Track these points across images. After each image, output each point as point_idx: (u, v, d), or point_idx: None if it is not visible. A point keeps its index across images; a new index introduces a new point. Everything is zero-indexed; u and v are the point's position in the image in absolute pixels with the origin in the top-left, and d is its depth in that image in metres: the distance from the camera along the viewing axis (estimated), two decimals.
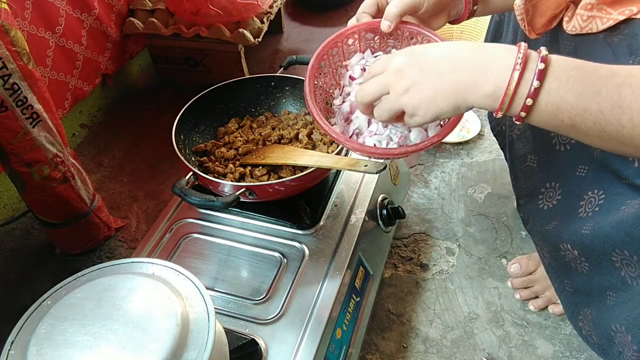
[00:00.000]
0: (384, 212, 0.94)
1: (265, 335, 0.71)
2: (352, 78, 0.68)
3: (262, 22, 1.47)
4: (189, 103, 0.92)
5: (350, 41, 0.69)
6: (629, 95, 0.46)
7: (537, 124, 0.52)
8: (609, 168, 0.64)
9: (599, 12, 0.59)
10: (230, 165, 0.89)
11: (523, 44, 0.50)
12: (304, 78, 0.65)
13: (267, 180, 0.86)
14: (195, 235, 0.85)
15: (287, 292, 0.76)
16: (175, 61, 1.53)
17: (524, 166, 0.81)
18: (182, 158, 0.82)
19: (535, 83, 0.48)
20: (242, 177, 0.88)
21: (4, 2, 0.79)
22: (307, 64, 0.66)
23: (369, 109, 0.61)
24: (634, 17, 0.56)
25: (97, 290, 0.53)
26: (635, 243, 0.59)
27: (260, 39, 1.43)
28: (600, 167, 0.66)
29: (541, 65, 0.48)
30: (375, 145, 0.64)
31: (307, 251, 0.81)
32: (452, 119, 0.61)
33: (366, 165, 0.71)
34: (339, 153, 0.83)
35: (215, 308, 0.53)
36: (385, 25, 0.65)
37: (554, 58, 0.49)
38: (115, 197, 1.28)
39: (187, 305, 0.52)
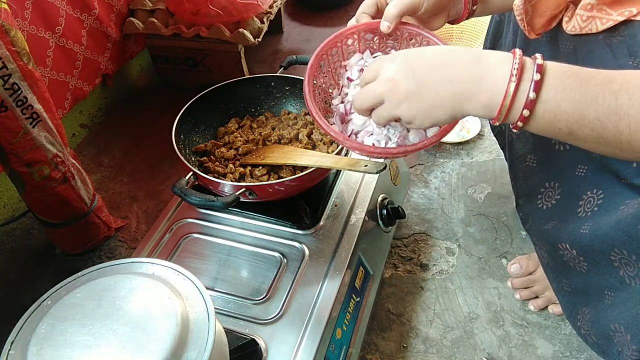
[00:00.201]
0: (384, 212, 0.94)
1: (265, 335, 0.71)
2: (349, 79, 0.68)
3: (262, 22, 1.47)
4: (189, 103, 0.92)
5: (349, 41, 0.69)
6: (626, 101, 0.46)
7: (535, 131, 0.52)
8: (608, 168, 0.64)
9: (599, 13, 0.59)
10: (230, 165, 0.89)
11: (518, 52, 0.50)
12: (304, 78, 0.65)
13: (267, 180, 0.86)
14: (195, 235, 0.85)
15: (287, 292, 0.76)
16: (175, 61, 1.53)
17: (524, 166, 0.81)
18: (182, 158, 0.82)
19: (532, 95, 0.48)
20: (242, 177, 0.88)
21: (4, 2, 0.79)
22: (307, 64, 0.66)
23: (367, 113, 0.61)
24: (633, 18, 0.56)
25: (97, 290, 0.53)
26: (634, 242, 0.59)
27: (260, 39, 1.43)
28: (599, 167, 0.66)
29: (537, 76, 0.48)
30: (373, 144, 0.64)
31: (307, 251, 0.81)
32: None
33: (366, 165, 0.71)
34: (339, 153, 0.83)
35: (215, 308, 0.53)
36: (385, 25, 0.65)
37: (550, 66, 0.49)
38: (115, 197, 1.28)
39: (187, 305, 0.52)
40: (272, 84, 1.00)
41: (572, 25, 0.62)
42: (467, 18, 0.73)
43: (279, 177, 0.86)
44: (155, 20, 1.44)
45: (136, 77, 1.66)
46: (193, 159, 0.92)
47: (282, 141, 0.94)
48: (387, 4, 0.66)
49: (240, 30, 1.39)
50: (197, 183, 0.81)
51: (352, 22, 0.69)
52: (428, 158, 1.34)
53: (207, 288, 0.67)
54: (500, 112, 0.50)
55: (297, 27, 1.91)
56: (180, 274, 0.56)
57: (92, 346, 0.48)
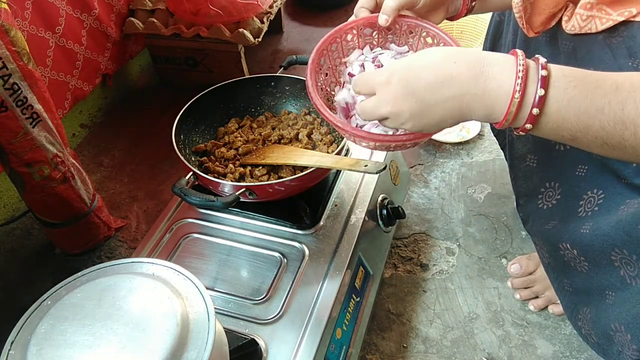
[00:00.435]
0: (384, 212, 0.94)
1: (265, 335, 0.71)
2: (351, 75, 0.68)
3: (262, 22, 1.47)
4: (189, 103, 0.92)
5: (349, 37, 0.68)
6: (633, 111, 0.45)
7: (538, 135, 0.53)
8: (609, 168, 0.64)
9: (599, 12, 0.59)
10: (230, 165, 0.89)
11: (520, 61, 0.49)
12: (304, 78, 0.65)
13: (267, 180, 0.86)
14: (195, 235, 0.85)
15: (287, 292, 0.76)
16: (175, 61, 1.53)
17: (524, 166, 0.81)
18: (182, 158, 0.82)
19: (535, 111, 0.48)
20: (242, 177, 0.88)
21: (4, 2, 0.79)
22: (307, 63, 0.66)
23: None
24: (632, 19, 0.56)
25: (97, 290, 0.53)
26: (635, 242, 0.59)
27: (260, 39, 1.43)
28: (599, 167, 0.66)
29: (541, 92, 0.48)
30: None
31: (307, 251, 0.81)
32: None
33: (366, 165, 0.71)
34: (339, 153, 0.83)
35: (215, 308, 0.53)
36: (383, 19, 0.64)
37: (554, 76, 0.48)
38: (115, 197, 1.28)
39: (187, 305, 0.52)
40: (272, 84, 1.00)
41: (572, 24, 0.62)
42: (465, 14, 0.73)
43: (279, 177, 0.86)
44: (155, 20, 1.44)
45: (136, 77, 1.66)
46: (193, 159, 0.92)
47: (282, 141, 0.94)
48: None
49: (240, 30, 1.39)
50: (197, 183, 0.81)
51: (352, 19, 0.69)
52: (428, 158, 1.34)
53: (207, 288, 0.67)
54: (502, 124, 0.51)
55: (297, 27, 1.91)
56: (180, 274, 0.56)
57: (92, 346, 0.48)
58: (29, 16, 1.15)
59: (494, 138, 1.02)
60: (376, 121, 0.64)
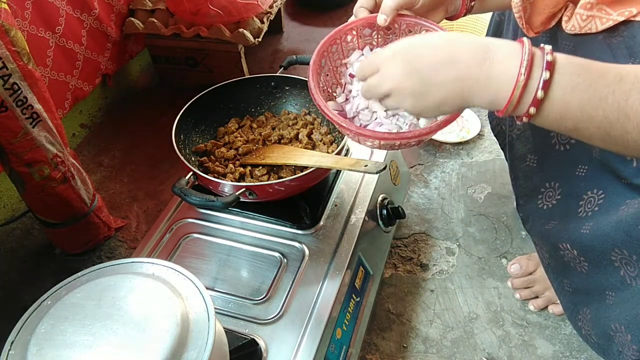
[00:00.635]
0: (384, 212, 0.94)
1: (265, 335, 0.71)
2: (351, 76, 0.68)
3: (262, 22, 1.47)
4: (189, 103, 0.92)
5: (349, 38, 0.68)
6: (637, 102, 0.45)
7: (540, 125, 0.52)
8: (609, 168, 0.64)
9: (599, 12, 0.59)
10: (230, 165, 0.89)
11: (527, 46, 0.48)
12: (304, 78, 0.65)
13: (267, 180, 0.86)
14: (195, 235, 0.85)
15: (287, 292, 0.76)
16: (175, 61, 1.53)
17: (524, 166, 0.81)
18: (182, 158, 0.82)
19: (540, 94, 0.47)
20: (242, 177, 0.88)
21: (4, 2, 0.79)
22: (307, 63, 0.66)
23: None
24: (633, 19, 0.56)
25: (97, 290, 0.53)
26: (635, 242, 0.59)
27: (260, 39, 1.43)
28: (599, 167, 0.66)
29: (546, 75, 0.47)
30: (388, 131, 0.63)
31: (307, 251, 0.81)
32: None
33: (366, 165, 0.71)
34: (339, 153, 0.83)
35: (215, 308, 0.53)
36: (382, 18, 0.64)
37: (559, 63, 0.48)
38: (115, 197, 1.28)
39: (187, 305, 0.52)
40: (272, 84, 1.00)
41: (572, 24, 0.62)
42: (465, 14, 0.73)
43: (279, 177, 0.86)
44: (155, 20, 1.44)
45: (136, 77, 1.66)
46: (193, 159, 0.92)
47: (282, 141, 0.94)
48: None
49: (240, 30, 1.39)
50: (197, 183, 0.81)
51: (352, 19, 0.69)
52: (428, 158, 1.34)
53: (207, 288, 0.67)
54: (506, 109, 0.50)
55: (297, 27, 1.91)
56: (180, 274, 0.56)
57: (92, 346, 0.47)
58: (29, 16, 1.15)
59: (494, 138, 1.02)
60: (379, 120, 0.64)
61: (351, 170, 0.73)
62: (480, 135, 1.39)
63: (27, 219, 1.22)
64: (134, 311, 0.50)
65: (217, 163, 0.91)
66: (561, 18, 0.66)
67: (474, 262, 1.09)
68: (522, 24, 0.67)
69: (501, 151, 1.04)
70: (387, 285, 1.05)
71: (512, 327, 0.97)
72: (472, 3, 0.72)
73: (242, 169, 0.89)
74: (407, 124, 0.63)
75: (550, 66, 0.47)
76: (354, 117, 0.67)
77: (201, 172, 0.81)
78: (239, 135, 0.96)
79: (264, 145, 0.94)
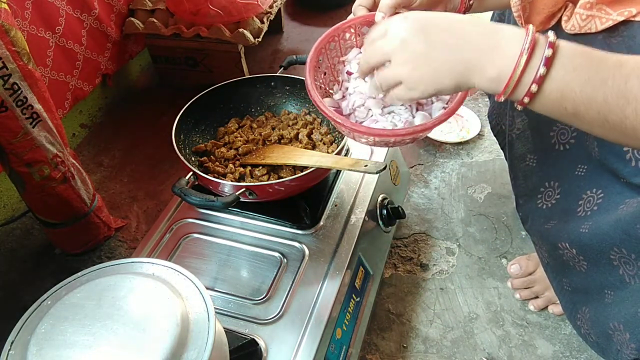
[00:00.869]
0: (384, 212, 0.94)
1: (265, 335, 0.71)
2: (349, 73, 0.68)
3: (262, 22, 1.47)
4: (189, 103, 0.92)
5: (347, 35, 0.68)
6: (636, 85, 0.45)
7: (540, 110, 0.51)
8: (608, 167, 0.64)
9: (598, 12, 0.59)
10: (230, 165, 0.89)
11: (531, 28, 0.49)
12: (304, 78, 0.65)
13: (267, 180, 0.86)
14: (195, 235, 0.85)
15: (287, 292, 0.76)
16: (175, 61, 1.53)
17: (524, 165, 0.81)
18: (182, 158, 0.82)
19: (542, 70, 0.47)
20: (242, 177, 0.88)
21: (4, 2, 0.79)
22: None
23: (370, 73, 0.59)
24: (632, 19, 0.56)
25: (97, 290, 0.53)
26: (633, 241, 0.59)
27: (260, 39, 1.43)
28: (599, 167, 0.66)
29: (548, 52, 0.47)
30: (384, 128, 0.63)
31: (307, 251, 0.81)
32: (456, 100, 0.60)
33: (366, 165, 0.71)
34: (339, 153, 0.83)
35: (215, 308, 0.53)
36: (379, 16, 0.64)
37: (562, 44, 0.48)
38: (115, 197, 1.28)
39: (187, 305, 0.52)
40: (272, 84, 1.00)
41: (572, 24, 0.62)
42: (464, 13, 0.73)
43: (279, 177, 0.86)
44: (155, 20, 1.44)
45: (136, 77, 1.66)
46: (193, 159, 0.92)
47: (282, 141, 0.94)
48: None
49: (240, 30, 1.39)
50: (197, 183, 0.81)
51: (350, 17, 0.69)
52: (428, 158, 1.34)
53: (207, 288, 0.67)
54: (507, 85, 0.49)
55: (297, 27, 1.91)
56: (180, 274, 0.56)
57: (92, 346, 0.47)
58: (29, 16, 1.15)
59: (494, 138, 1.02)
60: (375, 117, 0.64)
61: (351, 170, 0.73)
62: (480, 135, 1.39)
63: (27, 219, 1.22)
64: (134, 311, 0.50)
65: (217, 163, 0.91)
66: (561, 18, 0.66)
67: (474, 262, 1.09)
68: (521, 23, 0.67)
69: (501, 151, 1.04)
70: (387, 285, 1.05)
71: (512, 327, 0.97)
72: (471, 2, 0.72)
73: (242, 169, 0.89)
74: (402, 122, 0.63)
75: (553, 45, 0.48)
76: (349, 114, 0.67)
77: (201, 172, 0.81)
78: (239, 135, 0.96)
79: (264, 145, 0.94)
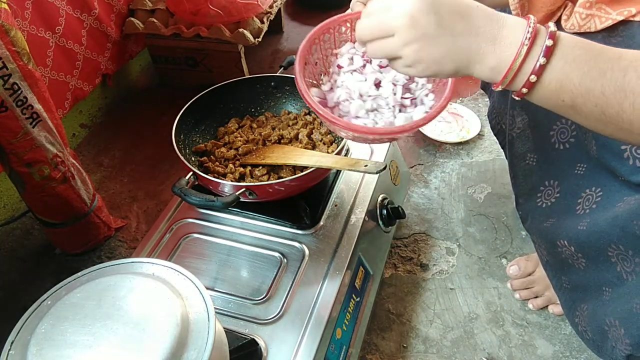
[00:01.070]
0: (384, 212, 0.94)
1: (265, 335, 0.71)
2: (339, 67, 0.69)
3: (262, 22, 1.47)
4: (189, 103, 0.92)
5: (342, 29, 0.69)
6: (634, 79, 0.46)
7: (538, 101, 0.51)
8: (606, 166, 0.64)
9: (598, 11, 0.59)
10: (230, 165, 0.89)
11: (532, 18, 0.49)
12: (294, 64, 0.66)
13: (267, 180, 0.86)
14: (195, 235, 0.85)
15: (287, 292, 0.76)
16: (175, 61, 1.53)
17: (524, 164, 0.81)
18: (182, 158, 0.82)
19: (542, 60, 0.47)
20: (242, 177, 0.88)
21: (4, 2, 0.79)
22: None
23: (364, 44, 0.57)
24: (632, 18, 0.57)
25: (97, 290, 0.53)
26: (630, 238, 0.59)
27: (260, 39, 1.43)
28: (597, 165, 0.66)
29: (549, 42, 0.47)
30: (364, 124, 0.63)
31: (307, 251, 0.81)
32: (438, 106, 0.60)
33: (366, 165, 0.71)
34: (339, 153, 0.83)
35: (215, 308, 0.53)
36: None
37: (563, 35, 0.48)
38: (115, 197, 1.28)
39: (187, 305, 0.52)
40: (272, 84, 1.00)
41: (571, 23, 0.63)
42: None
43: (279, 177, 0.86)
44: (155, 20, 1.44)
45: (136, 77, 1.66)
46: (193, 159, 0.92)
47: (282, 141, 0.94)
48: None
49: (240, 30, 1.39)
50: (197, 183, 0.81)
51: (348, 12, 0.70)
52: (428, 158, 1.34)
53: (207, 288, 0.67)
54: (506, 75, 0.49)
55: (297, 27, 1.91)
56: (180, 274, 0.56)
57: (92, 346, 0.47)
58: (29, 16, 1.15)
59: (494, 138, 1.02)
60: (360, 112, 0.64)
61: (351, 170, 0.73)
62: (480, 135, 1.39)
63: (27, 219, 1.22)
64: (134, 311, 0.50)
65: (217, 163, 0.91)
66: (560, 17, 0.66)
67: (474, 262, 1.09)
68: None
69: (501, 151, 1.04)
70: (387, 285, 1.05)
71: (512, 327, 0.97)
72: None
73: (242, 169, 0.89)
74: (383, 121, 0.64)
75: (554, 36, 0.48)
76: (334, 107, 0.68)
77: (201, 172, 0.81)
78: (239, 135, 0.96)
79: (264, 145, 0.94)
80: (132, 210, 1.24)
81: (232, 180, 0.86)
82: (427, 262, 1.09)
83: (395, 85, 0.64)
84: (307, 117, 0.98)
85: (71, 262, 1.13)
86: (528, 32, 0.48)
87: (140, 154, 1.40)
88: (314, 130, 0.95)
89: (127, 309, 0.50)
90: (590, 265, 0.68)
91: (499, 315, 0.99)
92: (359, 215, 0.88)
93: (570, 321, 0.77)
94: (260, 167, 0.88)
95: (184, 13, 1.42)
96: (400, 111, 0.65)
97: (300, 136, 0.94)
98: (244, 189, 0.76)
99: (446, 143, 1.36)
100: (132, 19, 1.45)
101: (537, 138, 0.77)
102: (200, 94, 0.94)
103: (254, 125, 0.99)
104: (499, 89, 0.51)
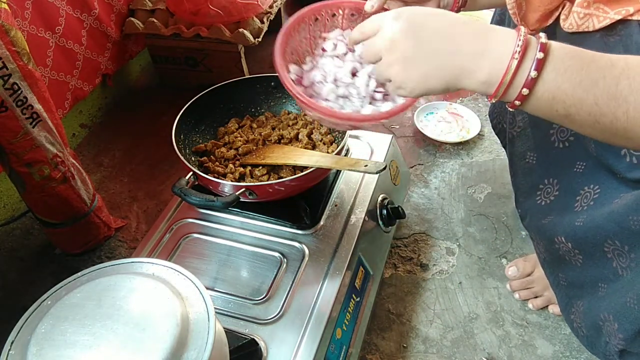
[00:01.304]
0: (384, 212, 0.94)
1: (265, 335, 0.71)
2: (324, 50, 0.70)
3: (262, 22, 1.47)
4: (189, 103, 0.92)
5: (334, 15, 0.70)
6: (627, 87, 0.46)
7: (532, 112, 0.52)
8: (604, 163, 0.64)
9: (596, 11, 0.59)
10: (230, 165, 0.89)
11: (523, 29, 0.49)
12: (277, 38, 0.67)
13: (267, 180, 0.86)
14: (195, 235, 0.85)
15: (287, 292, 0.76)
16: (175, 61, 1.53)
17: (524, 163, 0.82)
18: (182, 158, 0.82)
19: (533, 73, 0.48)
20: (242, 177, 0.88)
21: (4, 2, 0.79)
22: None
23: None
24: (630, 18, 0.57)
25: (97, 290, 0.53)
26: (626, 233, 0.59)
27: (260, 39, 1.43)
28: (596, 163, 0.66)
29: (540, 55, 0.47)
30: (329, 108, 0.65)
31: (307, 251, 0.81)
32: (400, 106, 0.62)
33: (366, 165, 0.71)
34: (339, 153, 0.83)
35: (215, 308, 0.53)
36: (369, 5, 0.65)
37: (554, 46, 0.48)
38: (115, 197, 1.28)
39: (187, 305, 0.52)
40: (272, 84, 1.00)
41: (569, 22, 0.63)
42: (457, 11, 0.74)
43: (279, 177, 0.86)
44: (155, 20, 1.44)
45: (136, 77, 1.66)
46: (193, 159, 0.92)
47: (282, 141, 0.94)
48: None
49: (240, 30, 1.39)
50: (197, 183, 0.81)
51: None
52: (428, 158, 1.34)
53: (207, 288, 0.67)
54: (498, 89, 0.50)
55: None
56: (180, 274, 0.56)
57: (92, 346, 0.47)
58: (29, 16, 1.15)
59: (494, 138, 1.02)
60: (328, 96, 0.65)
61: (351, 170, 0.73)
62: (480, 135, 1.39)
63: (27, 219, 1.22)
64: (134, 311, 0.50)
65: (217, 163, 0.91)
66: (559, 16, 0.66)
67: (474, 262, 1.09)
68: (517, 21, 0.67)
69: (501, 151, 1.04)
70: (387, 285, 1.05)
71: (512, 327, 0.97)
72: None
73: (242, 169, 0.89)
74: (350, 109, 0.65)
75: (545, 48, 0.48)
76: (308, 86, 0.68)
77: (201, 172, 0.81)
78: (239, 135, 0.96)
79: (264, 145, 0.94)
80: (132, 210, 1.24)
81: (232, 180, 0.86)
82: (427, 262, 1.09)
83: (370, 77, 0.65)
84: (307, 117, 0.98)
85: (71, 262, 1.13)
86: (518, 45, 0.48)
87: (140, 154, 1.40)
88: (314, 130, 0.95)
89: (127, 309, 0.50)
90: (587, 262, 0.68)
91: (499, 315, 0.99)
92: (359, 215, 0.88)
93: (566, 318, 0.77)
94: (260, 167, 0.88)
95: (184, 13, 1.42)
96: (370, 104, 0.66)
97: (300, 136, 0.94)
98: (244, 189, 0.76)
99: (446, 143, 1.36)
100: (132, 19, 1.45)
101: (538, 137, 0.77)
102: (200, 94, 0.94)
103: (254, 125, 0.99)
104: (493, 101, 0.52)
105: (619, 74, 0.46)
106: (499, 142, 1.03)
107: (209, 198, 0.73)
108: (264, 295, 0.76)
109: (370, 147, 1.00)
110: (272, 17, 1.54)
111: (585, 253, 0.68)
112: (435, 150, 1.36)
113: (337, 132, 0.95)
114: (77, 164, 1.02)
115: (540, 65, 0.48)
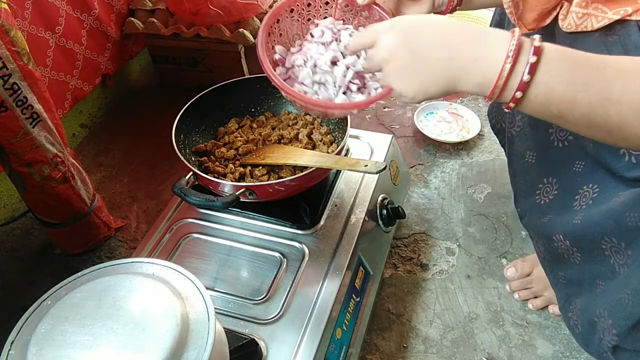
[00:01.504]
0: (384, 212, 0.94)
1: (265, 335, 0.71)
2: (312, 35, 0.71)
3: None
4: (189, 103, 0.92)
5: (327, 3, 0.71)
6: (620, 88, 0.46)
7: (527, 112, 0.53)
8: (602, 163, 0.64)
9: (594, 11, 0.59)
10: (230, 165, 0.89)
11: (517, 32, 0.49)
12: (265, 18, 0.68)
13: (267, 180, 0.86)
14: (195, 235, 0.85)
15: (287, 292, 0.76)
16: (175, 61, 1.53)
17: (523, 162, 0.82)
18: (182, 158, 0.82)
19: (526, 77, 0.48)
20: (242, 177, 0.88)
21: (4, 2, 0.79)
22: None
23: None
24: (628, 18, 0.57)
25: (97, 290, 0.53)
26: (623, 230, 0.60)
27: None
28: (595, 162, 0.67)
29: (533, 59, 0.48)
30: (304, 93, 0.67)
31: (307, 251, 0.81)
32: (370, 99, 0.64)
33: (366, 165, 0.71)
34: (339, 153, 0.83)
35: (215, 308, 0.53)
36: None
37: (547, 49, 0.49)
38: (115, 197, 1.28)
39: (187, 305, 0.52)
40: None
41: (568, 22, 0.63)
42: (452, 11, 0.75)
43: (279, 177, 0.86)
44: (155, 20, 1.44)
45: (136, 77, 1.66)
46: (193, 159, 0.92)
47: (282, 141, 0.94)
48: None
49: (240, 30, 1.39)
50: (197, 183, 0.81)
51: None
52: (428, 158, 1.34)
53: (207, 288, 0.67)
54: (493, 92, 0.51)
55: None
56: (180, 274, 0.56)
57: (92, 346, 0.47)
58: (29, 16, 1.15)
59: (494, 138, 1.02)
60: (307, 80, 0.67)
61: (351, 170, 0.73)
62: (480, 135, 1.39)
63: (27, 219, 1.22)
64: (134, 311, 0.50)
65: (217, 163, 0.91)
66: (557, 16, 0.66)
67: (474, 262, 1.09)
68: (514, 20, 0.67)
69: (501, 151, 1.04)
70: (387, 285, 1.05)
71: (512, 327, 0.97)
72: None
73: (242, 169, 0.89)
74: (323, 96, 0.67)
75: (538, 51, 0.48)
76: (290, 68, 0.70)
77: (201, 172, 0.81)
78: (239, 135, 0.96)
79: (264, 145, 0.94)
80: (132, 210, 1.24)
81: (232, 180, 0.86)
82: (427, 262, 1.09)
83: (348, 68, 0.66)
84: (307, 117, 0.98)
85: (71, 262, 1.13)
86: (511, 48, 0.49)
87: (140, 154, 1.40)
88: (314, 130, 0.95)
89: (127, 309, 0.50)
90: (585, 259, 0.68)
91: (499, 315, 0.99)
92: (359, 215, 0.88)
93: (563, 315, 0.78)
94: (260, 167, 0.88)
95: (184, 13, 1.42)
96: (344, 93, 0.67)
97: (300, 136, 0.94)
98: (244, 189, 0.76)
99: (446, 143, 1.36)
100: (132, 19, 1.45)
101: (537, 136, 0.77)
102: (200, 94, 0.94)
103: (254, 125, 0.99)
104: (489, 102, 0.53)
105: (612, 76, 0.47)
106: (498, 142, 1.03)
107: (209, 198, 0.73)
108: (264, 295, 0.76)
109: (370, 147, 1.00)
110: None
111: (583, 251, 0.68)
112: (435, 150, 1.36)
113: (337, 132, 0.95)
114: (77, 164, 1.02)
115: (533, 68, 0.48)
